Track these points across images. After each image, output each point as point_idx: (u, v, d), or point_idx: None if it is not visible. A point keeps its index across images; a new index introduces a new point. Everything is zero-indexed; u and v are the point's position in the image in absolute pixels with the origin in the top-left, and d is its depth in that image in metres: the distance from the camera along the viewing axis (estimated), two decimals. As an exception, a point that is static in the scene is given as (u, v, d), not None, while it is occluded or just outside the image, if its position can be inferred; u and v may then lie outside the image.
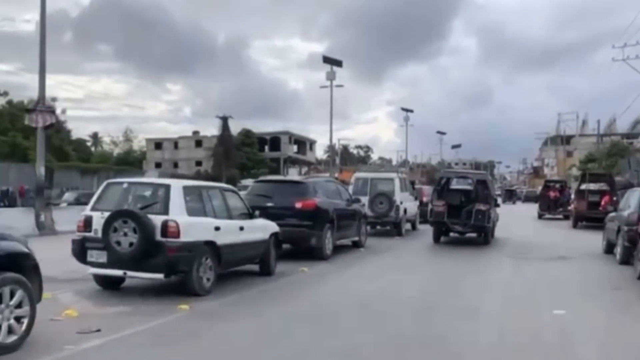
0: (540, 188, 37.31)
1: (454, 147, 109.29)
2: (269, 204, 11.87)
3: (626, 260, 12.02)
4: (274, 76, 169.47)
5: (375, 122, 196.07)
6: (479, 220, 15.47)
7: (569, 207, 28.88)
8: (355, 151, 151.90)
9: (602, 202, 21.76)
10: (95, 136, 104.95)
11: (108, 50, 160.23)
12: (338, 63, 40.75)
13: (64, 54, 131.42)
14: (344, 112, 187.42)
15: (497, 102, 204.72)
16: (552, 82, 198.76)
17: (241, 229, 9.00)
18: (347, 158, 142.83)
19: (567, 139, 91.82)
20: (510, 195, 68.40)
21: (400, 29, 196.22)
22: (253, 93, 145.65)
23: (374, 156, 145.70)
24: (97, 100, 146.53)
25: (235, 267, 9.44)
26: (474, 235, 16.98)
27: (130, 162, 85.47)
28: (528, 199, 70.23)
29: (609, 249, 13.94)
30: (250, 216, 9.54)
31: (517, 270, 11.72)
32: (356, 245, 14.66)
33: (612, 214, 14.13)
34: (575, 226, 24.06)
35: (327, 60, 40.89)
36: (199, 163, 76.45)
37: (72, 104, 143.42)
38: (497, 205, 18.40)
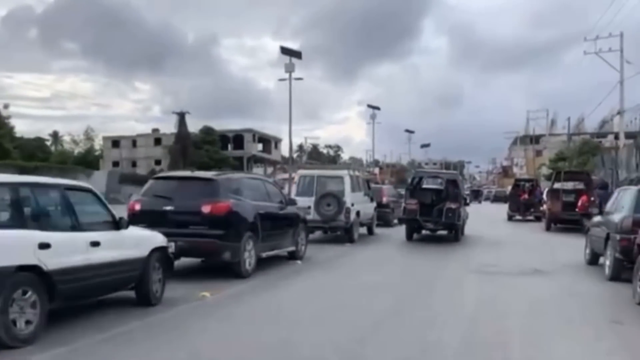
0: (509, 188, 35.35)
1: (423, 146, 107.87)
2: (169, 208, 9.22)
3: (617, 275, 9.70)
4: (245, 75, 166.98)
5: (346, 122, 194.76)
6: (449, 218, 15.85)
7: (541, 208, 26.86)
8: (325, 151, 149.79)
9: (579, 203, 19.59)
10: (55, 135, 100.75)
11: (75, 48, 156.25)
12: (297, 54, 38.12)
13: (29, 51, 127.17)
14: (316, 112, 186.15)
15: (468, 103, 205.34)
16: (522, 82, 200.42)
17: (94, 244, 6.30)
18: (316, 157, 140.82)
19: (536, 139, 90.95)
20: (477, 195, 68.05)
21: (373, 28, 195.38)
22: (224, 92, 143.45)
23: (345, 156, 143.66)
24: (64, 100, 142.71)
25: (89, 298, 6.74)
26: (444, 232, 17.25)
27: (90, 162, 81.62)
28: (497, 198, 68.71)
29: (594, 259, 11.65)
30: (117, 225, 6.84)
31: (481, 293, 9.10)
32: (293, 257, 12.04)
33: (597, 218, 11.73)
34: (548, 229, 21.95)
35: (285, 51, 38.24)
36: (158, 162, 73.11)
37: (38, 103, 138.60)
38: (467, 204, 19.09)
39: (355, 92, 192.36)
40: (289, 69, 37.79)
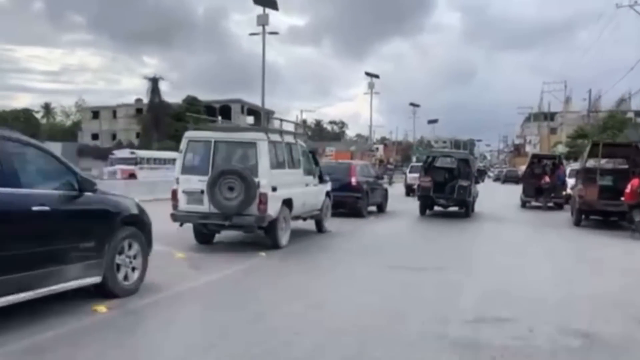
0: (523, 167, 29.20)
1: (430, 122, 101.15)
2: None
3: None
4: (253, 50, 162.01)
5: (355, 99, 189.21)
6: (460, 195, 16.82)
7: (564, 192, 20.73)
8: (329, 127, 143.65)
9: (629, 189, 13.36)
10: (47, 107, 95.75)
11: (82, 22, 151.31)
12: (272, 4, 31.74)
13: (35, 24, 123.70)
14: (325, 89, 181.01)
15: (480, 81, 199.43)
16: (535, 61, 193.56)
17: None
18: (319, 134, 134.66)
19: (551, 116, 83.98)
20: (480, 174, 61.25)
21: (383, 3, 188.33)
22: (232, 67, 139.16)
23: (350, 132, 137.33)
24: (73, 74, 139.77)
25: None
26: (456, 209, 17.85)
27: (75, 134, 76.40)
28: (509, 179, 62.54)
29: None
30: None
31: None
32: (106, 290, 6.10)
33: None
34: (578, 223, 15.81)
35: (258, 1, 31.87)
36: (138, 134, 67.42)
37: (46, 76, 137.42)
38: (478, 182, 19.68)
39: (365, 68, 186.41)
40: (262, 21, 31.49)
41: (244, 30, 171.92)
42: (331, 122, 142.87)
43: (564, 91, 62.57)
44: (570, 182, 20.59)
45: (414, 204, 19.10)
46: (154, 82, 50.77)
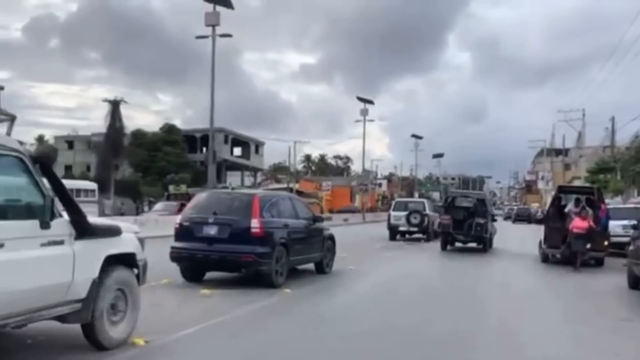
0: (535, 205, 22.71)
1: (435, 156, 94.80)
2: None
3: None
4: (267, 88, 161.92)
5: (368, 136, 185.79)
6: (478, 232, 18.30)
7: (606, 242, 14.11)
8: (333, 162, 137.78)
9: None
10: (40, 139, 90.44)
11: (97, 58, 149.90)
12: (225, 2, 25.66)
13: (51, 60, 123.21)
14: (337, 126, 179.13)
15: (491, 118, 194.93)
16: (546, 99, 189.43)
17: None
18: (324, 168, 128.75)
19: (565, 152, 77.28)
20: None
21: (395, 41, 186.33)
22: (246, 104, 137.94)
23: (355, 167, 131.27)
24: (88, 110, 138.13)
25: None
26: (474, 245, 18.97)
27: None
28: (520, 217, 55.65)
29: None
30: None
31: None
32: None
33: None
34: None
35: (210, -2, 25.82)
36: (115, 166, 61.37)
37: (63, 112, 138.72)
38: (495, 220, 22.02)
39: (377, 106, 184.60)
40: (212, 21, 25.42)
41: (256, 69, 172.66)
42: (335, 157, 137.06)
43: (582, 120, 55.65)
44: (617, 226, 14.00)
45: (400, 253, 16.98)
46: (114, 105, 44.65)
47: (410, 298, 9.42)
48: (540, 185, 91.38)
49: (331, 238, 12.22)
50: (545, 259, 15.57)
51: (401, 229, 23.75)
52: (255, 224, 9.36)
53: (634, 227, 14.73)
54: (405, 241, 23.24)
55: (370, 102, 51.11)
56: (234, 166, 65.55)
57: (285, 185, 70.44)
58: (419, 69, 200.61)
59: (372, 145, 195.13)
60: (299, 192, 77.12)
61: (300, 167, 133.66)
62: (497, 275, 12.72)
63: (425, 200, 25.28)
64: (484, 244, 18.68)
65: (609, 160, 45.58)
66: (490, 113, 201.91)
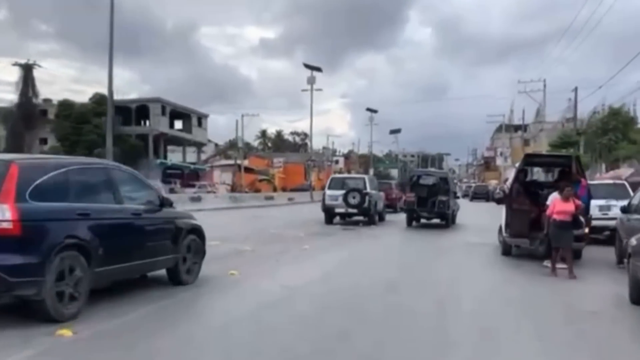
0: (494, 182, 20.05)
1: (392, 132, 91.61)
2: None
3: None
4: (225, 63, 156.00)
5: (329, 114, 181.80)
6: (441, 209, 19.13)
7: (587, 228, 10.45)
8: (291, 138, 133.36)
9: None
10: None
11: (50, 31, 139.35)
12: None
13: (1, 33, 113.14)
14: (299, 102, 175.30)
15: (451, 95, 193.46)
16: (505, 77, 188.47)
17: None
18: (280, 145, 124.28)
19: (524, 127, 74.90)
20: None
21: (357, 16, 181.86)
22: (204, 79, 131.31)
23: (314, 144, 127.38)
24: (41, 85, 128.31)
25: None
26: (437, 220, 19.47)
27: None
28: (477, 195, 52.84)
29: None
30: None
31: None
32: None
33: None
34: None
35: None
36: (44, 140, 55.76)
37: (13, 87, 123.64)
38: (457, 197, 24.03)
39: (339, 82, 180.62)
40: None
41: (214, 44, 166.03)
42: (293, 133, 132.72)
43: (543, 91, 52.66)
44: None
45: (325, 242, 13.58)
46: (27, 70, 39.13)
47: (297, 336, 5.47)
48: (499, 161, 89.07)
49: (196, 231, 8.15)
50: (507, 251, 11.88)
51: (338, 210, 19.89)
52: (4, 213, 5.21)
53: (623, 209, 11.21)
54: (343, 224, 19.38)
55: (319, 70, 46.85)
56: (173, 140, 60.56)
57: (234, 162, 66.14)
58: (381, 45, 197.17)
59: (333, 123, 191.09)
60: (249, 169, 72.75)
61: (256, 143, 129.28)
62: (442, 279, 8.90)
63: (366, 177, 21.39)
64: (447, 220, 19.58)
65: (572, 134, 42.72)
66: (451, 90, 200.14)
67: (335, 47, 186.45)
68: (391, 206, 28.39)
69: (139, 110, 56.00)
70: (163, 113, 56.06)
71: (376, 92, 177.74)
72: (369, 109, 70.51)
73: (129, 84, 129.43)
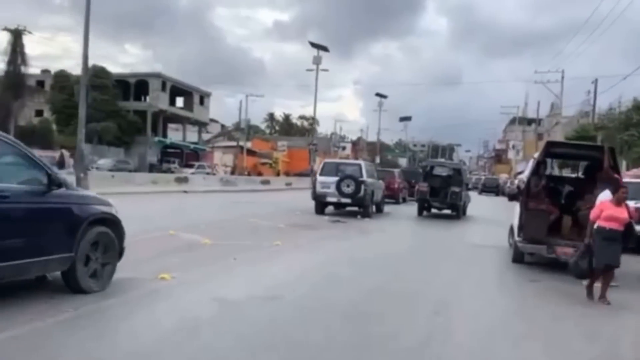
0: (504, 176, 17.73)
1: (402, 119, 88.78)
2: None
3: None
4: (238, 44, 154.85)
5: (341, 100, 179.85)
6: (453, 199, 19.22)
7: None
8: (299, 122, 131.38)
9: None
10: None
11: (63, 5, 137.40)
12: None
13: (14, 4, 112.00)
14: (310, 87, 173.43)
15: (465, 86, 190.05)
16: (521, 68, 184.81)
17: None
18: (288, 129, 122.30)
19: (538, 122, 72.32)
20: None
21: (373, 2, 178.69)
22: (216, 61, 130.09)
23: (322, 129, 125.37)
24: (54, 59, 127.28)
25: None
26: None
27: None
28: (487, 189, 50.63)
29: None
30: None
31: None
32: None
33: None
34: None
35: None
36: (39, 112, 53.88)
37: (38, 62, 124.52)
38: (469, 189, 25.68)
39: (352, 69, 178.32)
40: None
41: (228, 25, 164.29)
42: (301, 117, 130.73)
43: (561, 82, 49.99)
44: None
45: (304, 240, 11.37)
46: (15, 35, 37.11)
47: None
48: (511, 155, 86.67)
49: (107, 222, 6.11)
50: (519, 258, 9.79)
51: (330, 199, 17.80)
52: None
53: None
54: (334, 216, 17.31)
55: (325, 49, 44.45)
56: (174, 118, 58.55)
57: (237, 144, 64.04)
58: (395, 32, 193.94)
59: (345, 109, 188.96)
60: (252, 152, 70.68)
61: (263, 126, 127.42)
62: (434, 300, 6.82)
63: (362, 163, 19.15)
64: (458, 211, 19.73)
65: (589, 128, 40.35)
66: (465, 80, 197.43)
67: (350, 33, 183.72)
68: (393, 197, 26.32)
69: (139, 86, 53.94)
70: (163, 89, 53.99)
71: (389, 80, 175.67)
72: (378, 94, 68.17)
73: (143, 62, 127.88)
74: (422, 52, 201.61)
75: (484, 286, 7.90)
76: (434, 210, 20.35)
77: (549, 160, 11.31)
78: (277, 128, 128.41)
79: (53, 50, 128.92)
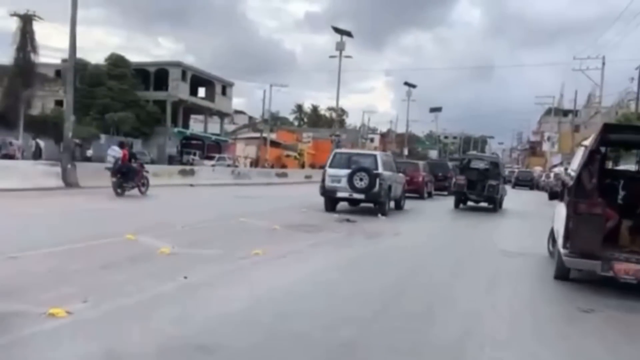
0: (538, 169, 16.77)
1: (432, 110, 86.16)
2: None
3: None
4: (270, 37, 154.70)
5: (372, 92, 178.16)
6: (490, 192, 19.65)
7: None
8: (327, 113, 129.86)
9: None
10: None
11: None
12: None
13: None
14: (343, 78, 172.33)
15: (497, 77, 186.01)
16: (556, 60, 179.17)
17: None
18: (316, 121, 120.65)
19: (575, 112, 68.85)
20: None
21: None
22: (247, 53, 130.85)
23: (351, 120, 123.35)
24: (87, 53, 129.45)
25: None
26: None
27: None
28: (520, 183, 47.93)
29: None
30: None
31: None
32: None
33: None
34: None
35: None
36: (59, 102, 52.87)
37: (61, 54, 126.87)
38: (506, 182, 24.18)
39: (383, 61, 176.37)
40: None
41: (260, 17, 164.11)
42: (330, 109, 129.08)
43: (601, 69, 46.73)
44: None
45: (299, 246, 9.40)
46: (25, 20, 35.80)
47: None
48: (545, 147, 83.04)
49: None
50: (564, 274, 7.57)
51: (340, 195, 15.71)
52: None
53: None
54: (344, 214, 15.20)
55: (349, 34, 42.12)
56: (195, 109, 57.02)
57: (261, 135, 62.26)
58: (427, 23, 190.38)
59: (377, 101, 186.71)
60: (276, 143, 68.84)
61: (291, 118, 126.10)
62: (447, 344, 4.69)
63: (378, 154, 16.75)
64: (495, 204, 20.09)
65: (632, 117, 37.30)
66: (498, 72, 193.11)
67: (381, 24, 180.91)
68: (417, 191, 24.10)
69: (159, 75, 52.52)
70: (183, 78, 52.47)
71: (420, 71, 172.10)
72: (406, 83, 65.44)
73: (175, 55, 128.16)
74: (454, 43, 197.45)
75: (516, 321, 5.71)
76: (464, 206, 20.43)
77: (604, 150, 8.99)
78: (305, 120, 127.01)
79: (86, 43, 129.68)
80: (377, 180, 15.20)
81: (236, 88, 58.32)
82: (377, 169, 15.47)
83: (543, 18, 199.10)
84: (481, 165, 20.74)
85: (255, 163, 56.22)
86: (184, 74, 52.31)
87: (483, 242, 11.75)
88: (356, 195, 15.44)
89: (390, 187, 16.11)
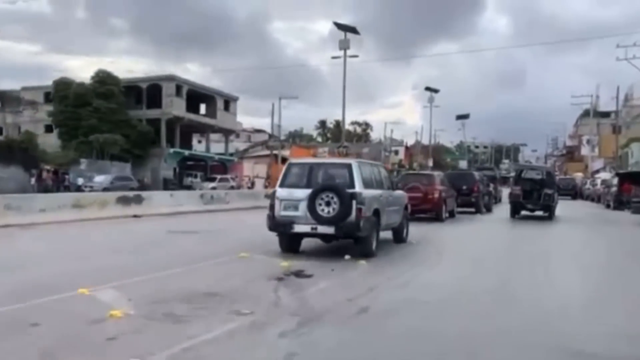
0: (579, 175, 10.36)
1: (459, 117, 79.77)
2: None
3: None
4: (296, 57, 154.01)
5: (400, 106, 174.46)
6: (546, 201, 20.39)
7: None
8: (351, 128, 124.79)
9: None
10: None
11: (124, 26, 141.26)
12: None
13: (78, 31, 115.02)
14: (370, 95, 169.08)
15: (528, 85, 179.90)
16: (587, 65, 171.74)
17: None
18: (339, 136, 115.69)
19: (617, 112, 62.14)
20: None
21: (429, 5, 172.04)
22: (275, 74, 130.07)
23: (375, 135, 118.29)
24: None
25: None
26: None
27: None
28: (562, 191, 41.37)
29: None
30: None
31: None
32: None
33: None
34: None
35: None
36: (49, 128, 48.80)
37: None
38: (559, 192, 24.41)
39: (411, 74, 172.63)
40: None
41: (286, 37, 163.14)
42: (353, 123, 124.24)
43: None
44: None
45: None
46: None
47: None
48: (584, 151, 75.75)
49: None
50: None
51: (299, 229, 10.09)
52: None
53: None
54: (305, 258, 9.62)
55: (354, 31, 36.59)
56: (194, 126, 52.15)
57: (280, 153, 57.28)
58: (455, 34, 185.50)
59: (405, 115, 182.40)
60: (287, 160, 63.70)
61: (315, 134, 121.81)
62: None
63: (353, 163, 10.52)
64: (550, 213, 20.66)
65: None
66: (528, 79, 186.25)
67: (408, 37, 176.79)
68: (433, 210, 18.43)
69: (151, 91, 47.89)
70: (178, 94, 47.68)
71: (449, 83, 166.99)
72: (428, 88, 59.57)
73: (202, 78, 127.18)
74: (483, 52, 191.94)
75: None
76: (516, 218, 20.63)
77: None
78: (328, 135, 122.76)
79: (118, 73, 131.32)
80: (353, 204, 9.59)
81: (263, 108, 53.74)
82: (352, 186, 9.85)
83: (573, 22, 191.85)
84: (536, 175, 21.68)
85: (267, 182, 51.44)
86: (178, 88, 47.56)
87: (533, 324, 6.03)
88: (322, 229, 9.83)
89: (377, 213, 10.46)
